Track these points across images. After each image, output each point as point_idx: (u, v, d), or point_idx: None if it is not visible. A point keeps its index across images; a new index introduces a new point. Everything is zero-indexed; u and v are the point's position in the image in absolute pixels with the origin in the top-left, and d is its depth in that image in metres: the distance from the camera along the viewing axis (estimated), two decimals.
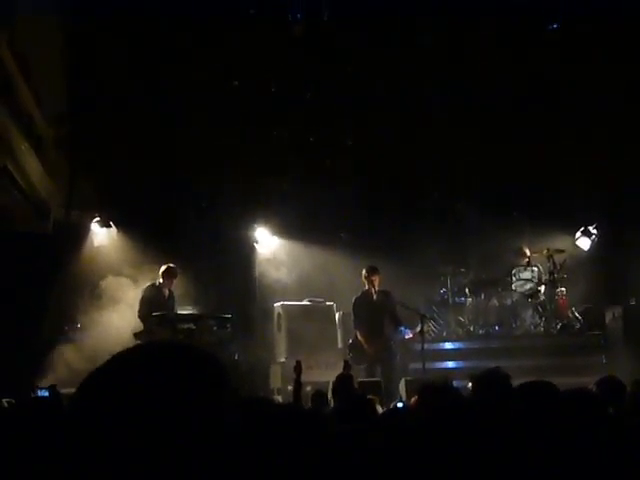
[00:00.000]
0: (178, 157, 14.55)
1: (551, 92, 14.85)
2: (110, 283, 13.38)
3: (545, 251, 14.61)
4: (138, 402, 1.39)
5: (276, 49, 14.68)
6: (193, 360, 1.49)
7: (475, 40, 14.72)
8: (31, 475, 1.38)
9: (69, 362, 12.11)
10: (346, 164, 15.68)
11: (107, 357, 1.48)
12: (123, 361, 1.47)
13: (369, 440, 2.96)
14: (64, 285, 13.57)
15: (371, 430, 3.12)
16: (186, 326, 11.97)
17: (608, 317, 14.07)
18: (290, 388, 9.91)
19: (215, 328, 12.24)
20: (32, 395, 7.71)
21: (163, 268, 12.67)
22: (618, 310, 13.87)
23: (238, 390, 1.52)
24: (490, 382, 5.95)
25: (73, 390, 1.48)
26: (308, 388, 10.08)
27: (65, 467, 1.35)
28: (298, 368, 8.05)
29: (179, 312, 12.60)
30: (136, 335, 11.92)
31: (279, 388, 12.95)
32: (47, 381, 10.89)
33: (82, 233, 14.59)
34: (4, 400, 7.52)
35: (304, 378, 9.20)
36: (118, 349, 1.50)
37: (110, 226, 14.70)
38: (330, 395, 8.74)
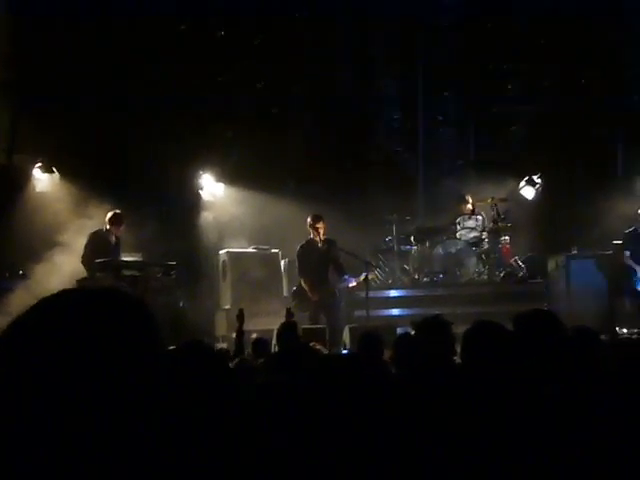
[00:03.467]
0: (122, 103, 14.32)
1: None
2: (53, 230, 13.19)
3: (489, 200, 14.68)
4: (60, 348, 1.37)
5: None
6: (119, 305, 1.47)
7: None
8: None
9: (9, 311, 11.89)
10: (293, 111, 15.60)
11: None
12: (47, 306, 1.45)
13: (294, 390, 2.95)
14: (5, 231, 13.35)
15: (300, 379, 3.11)
16: (130, 273, 11.86)
17: (550, 266, 14.29)
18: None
19: (160, 275, 12.14)
20: None
21: (110, 214, 12.39)
22: (560, 259, 14.08)
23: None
24: (431, 328, 6.03)
25: None
26: (253, 335, 10.10)
27: None
28: (240, 316, 8.02)
29: (123, 259, 12.47)
30: (79, 282, 11.77)
31: (224, 335, 12.97)
32: None
33: (24, 179, 14.31)
34: None
35: (249, 326, 9.22)
36: None
37: (52, 172, 14.42)
38: (275, 342, 8.75)
